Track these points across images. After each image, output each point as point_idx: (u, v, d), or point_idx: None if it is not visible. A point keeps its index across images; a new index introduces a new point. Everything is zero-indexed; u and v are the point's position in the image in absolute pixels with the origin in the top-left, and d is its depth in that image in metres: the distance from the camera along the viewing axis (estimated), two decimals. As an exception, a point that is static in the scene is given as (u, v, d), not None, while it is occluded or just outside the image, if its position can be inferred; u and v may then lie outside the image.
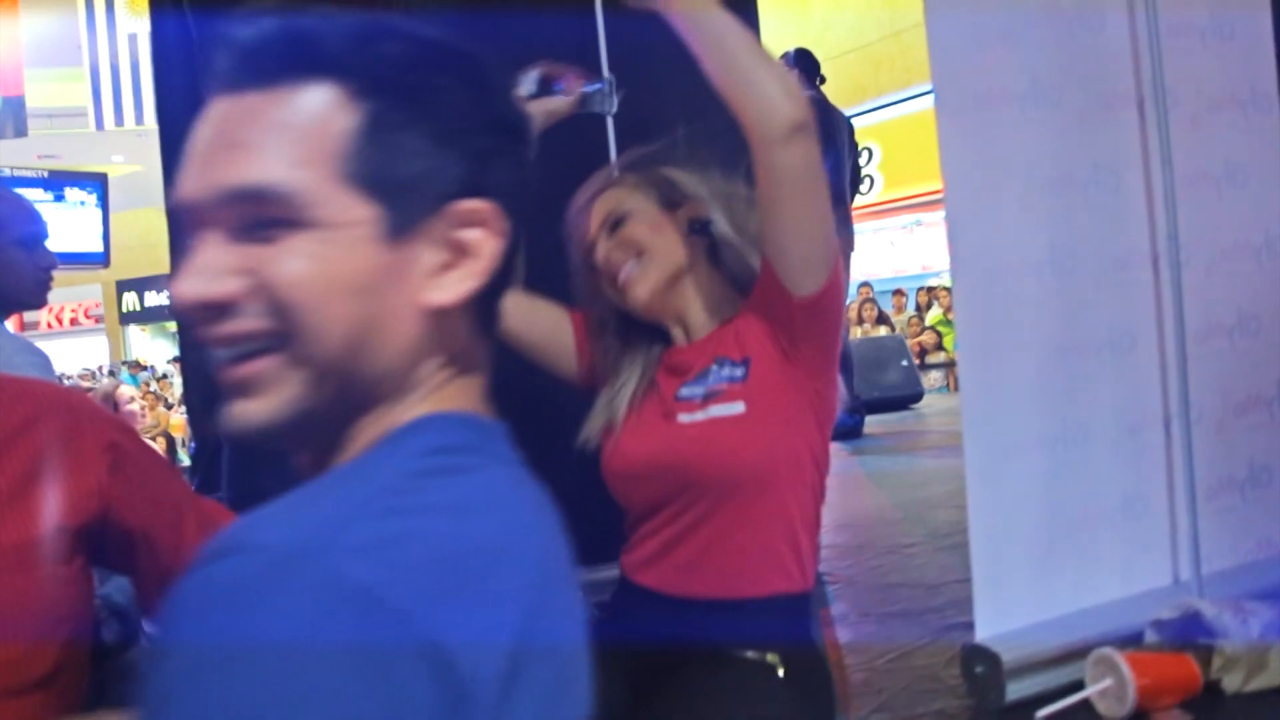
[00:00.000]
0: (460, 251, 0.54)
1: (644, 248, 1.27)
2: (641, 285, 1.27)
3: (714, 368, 1.26)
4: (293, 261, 0.50)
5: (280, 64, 0.52)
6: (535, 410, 2.26)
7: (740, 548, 1.23)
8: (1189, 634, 1.83)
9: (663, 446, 1.25)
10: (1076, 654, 1.83)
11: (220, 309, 0.51)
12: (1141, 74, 1.81)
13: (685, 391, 1.27)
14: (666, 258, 1.28)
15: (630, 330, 1.35)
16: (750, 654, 1.21)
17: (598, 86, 1.42)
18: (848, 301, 9.33)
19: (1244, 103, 1.95)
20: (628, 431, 1.30)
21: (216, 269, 0.51)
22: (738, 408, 1.22)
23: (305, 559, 0.42)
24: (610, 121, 2.28)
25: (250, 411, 0.53)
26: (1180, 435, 2.03)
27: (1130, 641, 1.86)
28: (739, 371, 1.24)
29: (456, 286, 0.54)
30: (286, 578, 0.41)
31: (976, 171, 1.69)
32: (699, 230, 1.30)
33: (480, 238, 0.54)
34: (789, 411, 1.23)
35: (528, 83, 1.38)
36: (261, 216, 0.50)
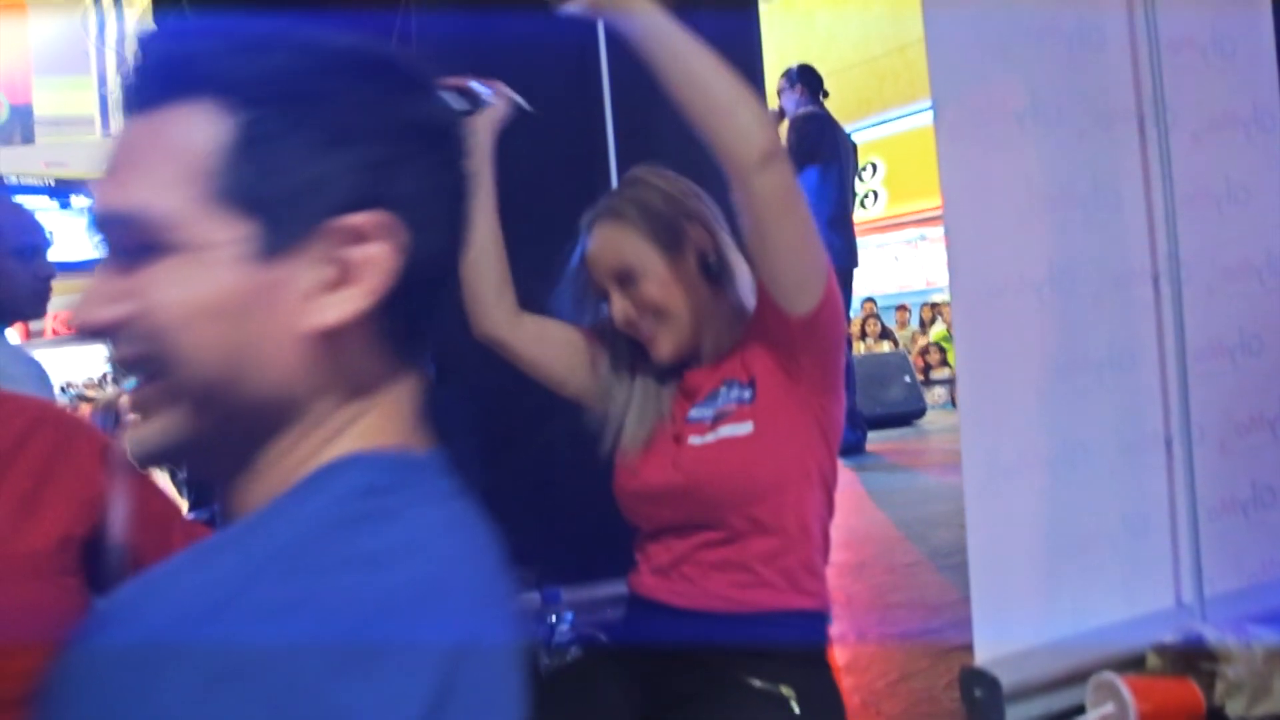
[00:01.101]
0: (347, 269, 0.50)
1: (660, 308, 1.27)
2: (665, 347, 1.28)
3: (722, 389, 1.27)
4: (161, 287, 0.48)
5: (161, 84, 0.51)
6: (548, 430, 2.25)
7: (753, 563, 1.23)
8: (1192, 658, 1.81)
9: (675, 469, 1.26)
10: (1077, 678, 1.80)
11: (106, 335, 0.50)
12: (1142, 91, 1.80)
13: (695, 413, 1.28)
14: (683, 314, 1.27)
15: (642, 353, 1.34)
16: (763, 685, 1.20)
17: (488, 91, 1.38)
18: (851, 317, 9.33)
19: (1245, 121, 1.93)
20: (641, 454, 1.31)
21: (100, 295, 0.50)
22: (746, 428, 1.22)
23: (197, 626, 0.40)
24: (610, 129, 2.27)
25: (141, 437, 0.51)
26: (1182, 455, 2.01)
27: (1132, 665, 1.83)
28: (746, 393, 1.24)
29: (340, 307, 0.50)
30: (175, 649, 0.39)
31: (976, 188, 1.68)
32: (708, 270, 1.29)
33: (370, 254, 0.50)
34: (796, 430, 1.24)
35: (455, 103, 1.31)
36: (136, 242, 0.49)
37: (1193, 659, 1.81)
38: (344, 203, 0.50)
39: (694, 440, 1.26)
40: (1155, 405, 1.98)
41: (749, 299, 1.29)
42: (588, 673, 1.36)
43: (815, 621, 1.28)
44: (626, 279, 1.27)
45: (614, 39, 2.22)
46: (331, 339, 0.51)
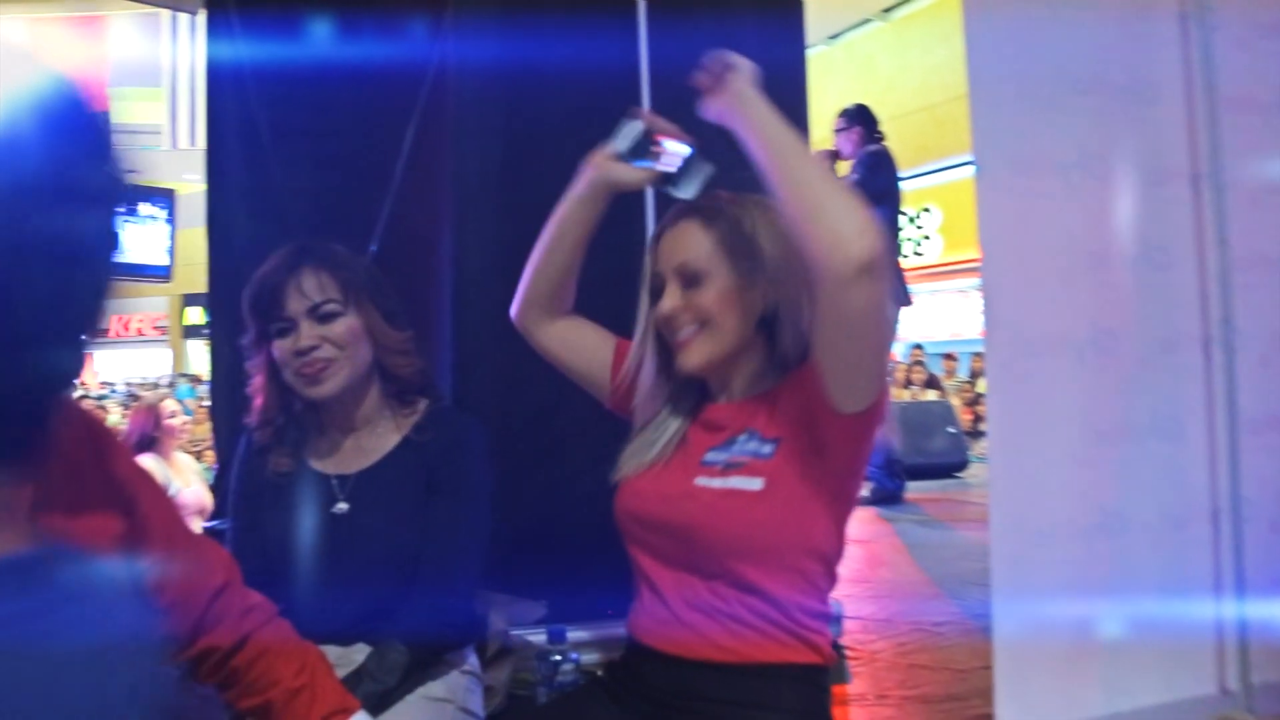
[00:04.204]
0: None
1: (710, 319, 1.24)
2: (696, 356, 1.25)
3: (741, 437, 1.24)
4: None
5: None
6: (564, 465, 2.22)
7: (742, 614, 1.20)
8: (1231, 752, 1.70)
9: (675, 503, 1.24)
10: (1104, 764, 1.70)
11: None
12: (1198, 149, 1.73)
13: (711, 456, 1.25)
14: (729, 334, 1.25)
15: (674, 376, 1.33)
16: None
17: (685, 159, 1.28)
18: (900, 362, 9.18)
19: (1309, 184, 1.85)
20: (648, 476, 1.29)
21: None
22: (755, 484, 1.19)
23: None
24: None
25: None
26: (1229, 532, 1.90)
27: (1165, 755, 1.73)
28: (766, 449, 1.21)
29: None
30: None
31: (1017, 242, 1.62)
32: (765, 318, 1.26)
33: None
34: (806, 501, 1.20)
35: (622, 138, 1.30)
36: None
37: (1233, 753, 1.70)
38: None
39: (701, 482, 1.23)
40: (1202, 478, 1.88)
41: (796, 357, 1.25)
42: (584, 704, 1.33)
43: (814, 675, 1.23)
44: (691, 279, 1.25)
45: (656, 58, 2.23)
46: None
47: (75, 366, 0.83)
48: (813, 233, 1.06)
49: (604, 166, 1.32)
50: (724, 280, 1.24)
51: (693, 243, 1.26)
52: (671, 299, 1.26)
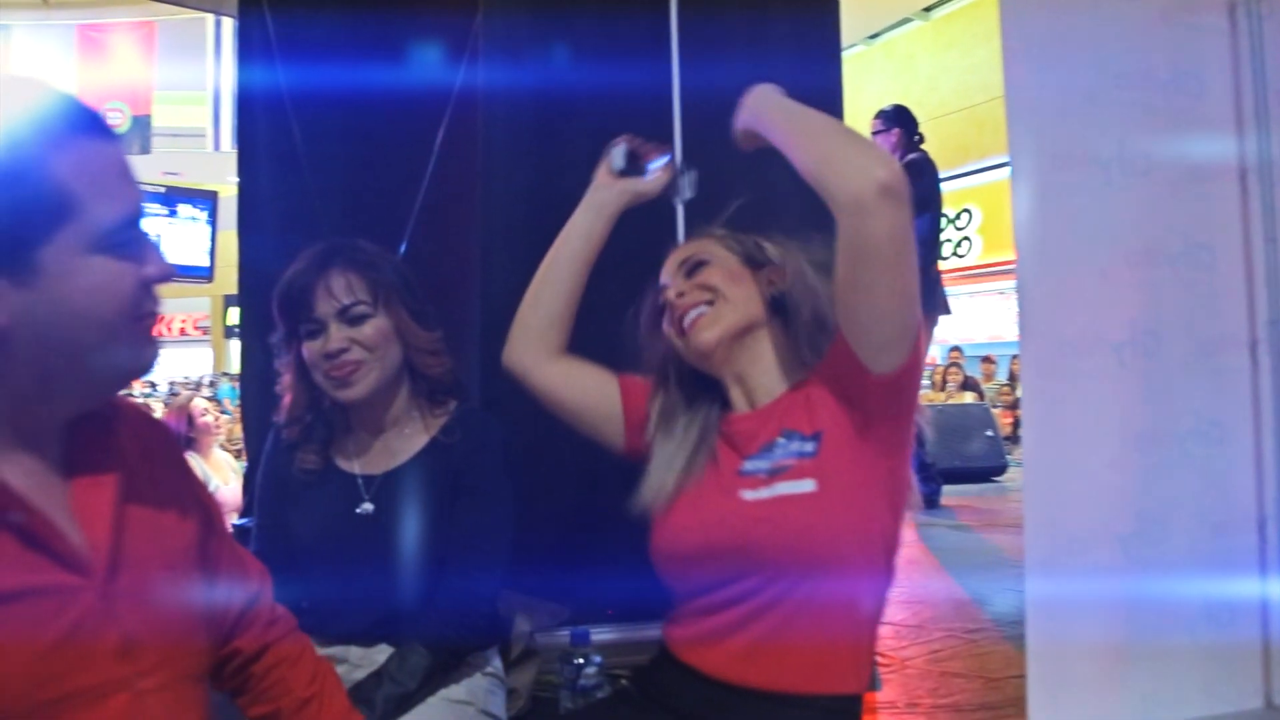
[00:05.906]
0: None
1: (719, 294, 1.23)
2: (711, 329, 1.22)
3: (781, 440, 1.18)
4: None
5: None
6: (591, 466, 2.21)
7: (801, 639, 1.13)
8: (1277, 769, 1.64)
9: (724, 526, 1.16)
10: (1142, 778, 1.65)
11: None
12: (1246, 144, 1.67)
13: (749, 466, 1.19)
14: (741, 307, 1.23)
15: (688, 389, 1.29)
16: None
17: (674, 164, 1.40)
18: (938, 364, 9.06)
19: (1365, 180, 1.77)
20: (683, 506, 1.22)
21: None
22: (807, 485, 1.13)
23: None
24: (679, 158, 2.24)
25: None
26: (1276, 540, 1.83)
27: (1207, 771, 1.67)
28: (809, 446, 1.16)
29: None
30: None
31: (1054, 240, 1.57)
32: (777, 301, 1.26)
33: None
34: (862, 491, 1.14)
35: (617, 157, 1.39)
36: None
37: (1279, 771, 1.63)
38: None
39: (747, 495, 1.16)
40: (1248, 483, 1.82)
41: (816, 348, 1.22)
42: (609, 717, 1.30)
43: (850, 705, 1.17)
44: (694, 267, 1.27)
45: (687, 59, 2.21)
46: None
47: (145, 360, 0.85)
48: (831, 170, 1.07)
49: (620, 183, 1.39)
50: (727, 260, 1.27)
51: (694, 245, 1.32)
52: (677, 285, 1.27)
